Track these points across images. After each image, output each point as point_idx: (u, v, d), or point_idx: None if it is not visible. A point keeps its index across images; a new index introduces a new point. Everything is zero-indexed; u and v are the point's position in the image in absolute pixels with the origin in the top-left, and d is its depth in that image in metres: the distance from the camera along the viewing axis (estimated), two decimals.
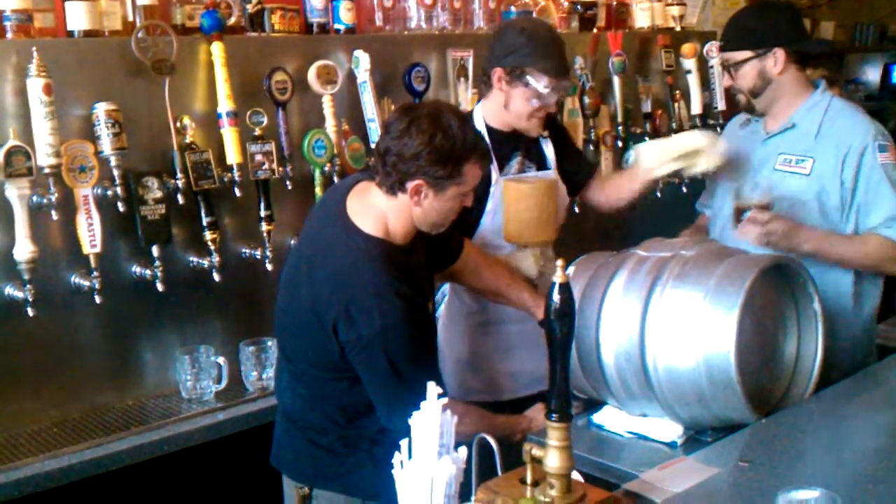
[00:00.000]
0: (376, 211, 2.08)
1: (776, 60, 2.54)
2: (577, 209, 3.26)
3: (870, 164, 2.46)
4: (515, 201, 2.49)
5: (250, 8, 2.84)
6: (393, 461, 1.38)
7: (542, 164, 2.67)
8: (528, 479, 1.59)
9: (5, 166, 2.25)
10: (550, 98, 2.51)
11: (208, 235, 2.64)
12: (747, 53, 2.57)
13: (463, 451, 1.41)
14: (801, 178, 2.55)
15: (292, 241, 2.89)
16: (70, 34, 2.48)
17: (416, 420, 1.36)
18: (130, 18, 2.61)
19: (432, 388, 1.36)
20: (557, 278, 1.48)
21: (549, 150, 2.69)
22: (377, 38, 3.10)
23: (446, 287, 2.68)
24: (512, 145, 2.62)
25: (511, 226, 2.52)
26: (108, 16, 2.53)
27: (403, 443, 1.36)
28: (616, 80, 3.76)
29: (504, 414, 2.33)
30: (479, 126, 2.58)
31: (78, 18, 2.46)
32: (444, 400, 1.37)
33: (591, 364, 2.11)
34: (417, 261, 2.19)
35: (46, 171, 2.32)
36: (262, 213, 2.77)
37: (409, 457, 1.37)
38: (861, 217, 2.48)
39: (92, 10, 2.47)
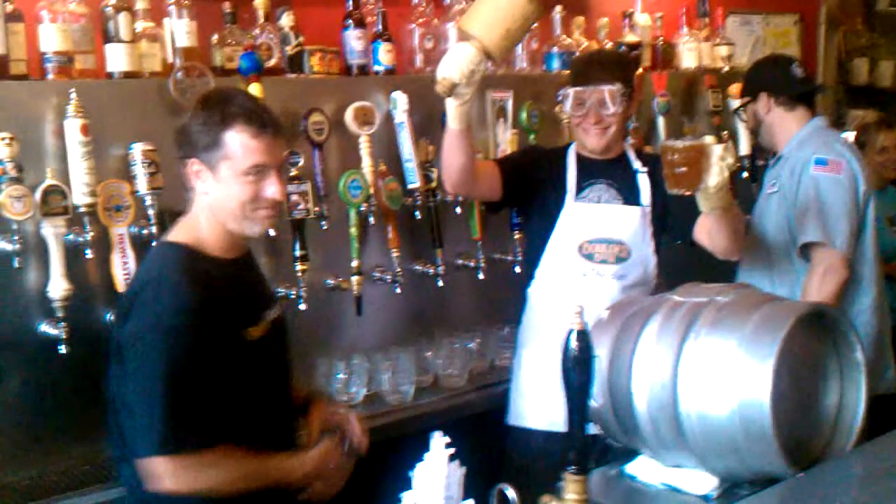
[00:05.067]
0: (190, 220, 2.04)
1: (762, 104, 3.05)
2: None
3: (806, 174, 2.87)
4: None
5: (290, 50, 2.87)
6: None
7: (631, 199, 2.65)
8: None
9: (42, 205, 2.29)
10: (576, 108, 2.61)
11: None
12: (746, 99, 3.16)
13: (470, 503, 1.37)
14: (775, 196, 3.00)
15: (328, 282, 2.90)
16: (109, 76, 2.52)
17: (420, 470, 1.32)
18: (170, 60, 2.65)
19: (438, 439, 1.32)
20: (574, 325, 1.44)
21: (644, 184, 2.66)
22: (416, 79, 3.10)
23: None
24: (598, 173, 2.66)
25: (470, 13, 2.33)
26: (148, 58, 2.57)
27: (408, 494, 1.32)
28: (660, 121, 3.71)
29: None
30: (571, 157, 2.70)
31: (117, 60, 2.50)
32: (452, 450, 1.32)
33: (624, 412, 2.04)
34: (240, 278, 2.09)
35: (82, 209, 2.36)
36: (297, 254, 2.77)
37: None
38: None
39: (131, 53, 2.51)
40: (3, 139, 2.24)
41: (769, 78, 3.10)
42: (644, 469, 2.08)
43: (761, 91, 3.06)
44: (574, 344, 1.43)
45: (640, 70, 3.72)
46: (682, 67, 3.96)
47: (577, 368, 1.43)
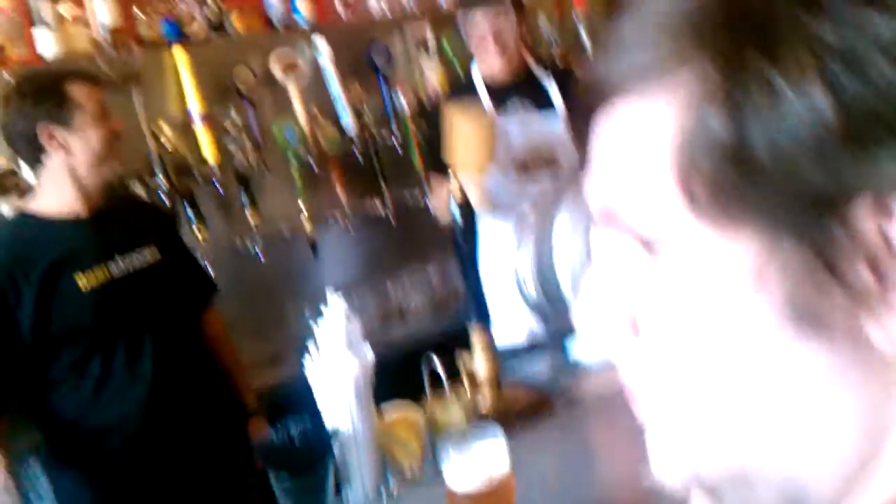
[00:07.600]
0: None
1: None
2: None
3: None
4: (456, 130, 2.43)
5: (208, 13, 2.96)
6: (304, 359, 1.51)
7: (542, 103, 2.70)
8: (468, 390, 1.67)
9: None
10: (476, 27, 2.61)
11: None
12: None
13: (369, 351, 1.52)
14: None
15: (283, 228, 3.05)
16: (41, 58, 2.63)
17: (322, 321, 1.48)
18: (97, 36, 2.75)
19: (332, 297, 1.48)
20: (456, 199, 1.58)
21: (552, 89, 2.71)
22: (337, 28, 3.21)
23: None
24: (508, 92, 2.69)
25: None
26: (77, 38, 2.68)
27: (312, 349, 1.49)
28: (583, 34, 3.75)
29: None
30: (479, 84, 2.70)
31: (47, 45, 2.62)
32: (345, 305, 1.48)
33: (554, 294, 2.18)
34: (81, 232, 2.12)
35: None
36: (246, 206, 2.92)
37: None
38: None
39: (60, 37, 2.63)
40: None
41: None
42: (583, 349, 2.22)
43: None
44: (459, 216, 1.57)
45: None
46: None
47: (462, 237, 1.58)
